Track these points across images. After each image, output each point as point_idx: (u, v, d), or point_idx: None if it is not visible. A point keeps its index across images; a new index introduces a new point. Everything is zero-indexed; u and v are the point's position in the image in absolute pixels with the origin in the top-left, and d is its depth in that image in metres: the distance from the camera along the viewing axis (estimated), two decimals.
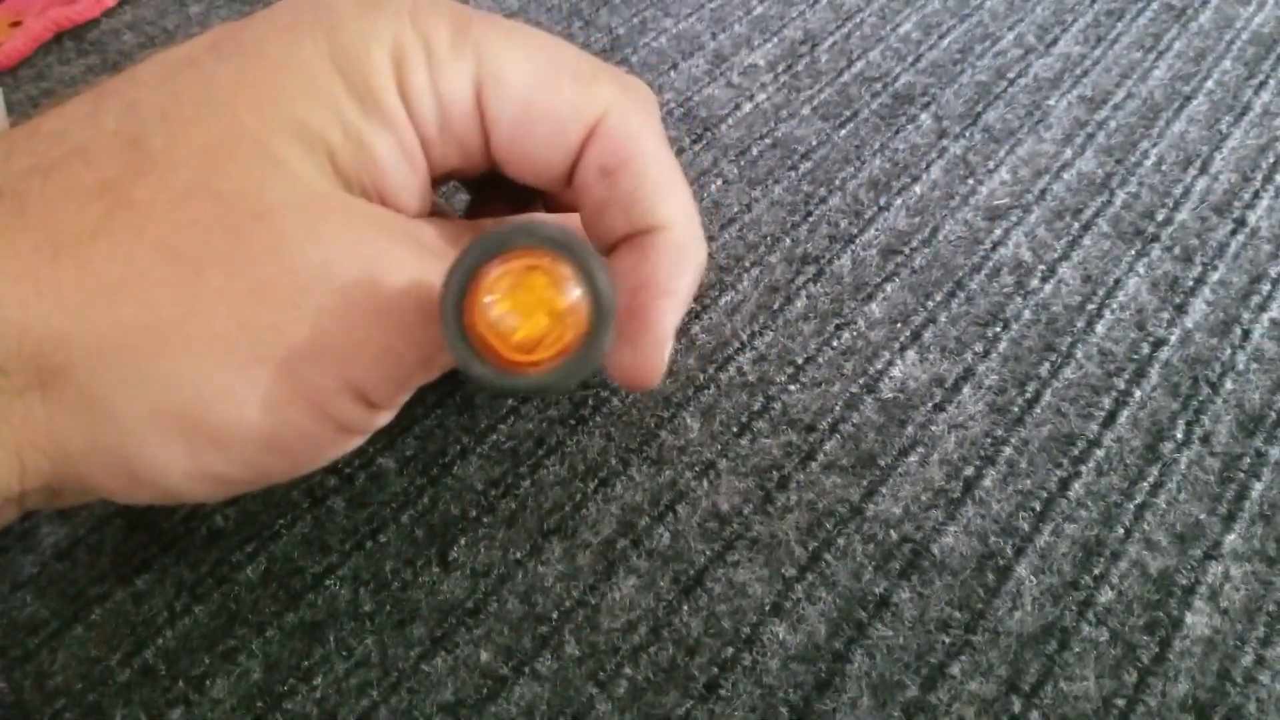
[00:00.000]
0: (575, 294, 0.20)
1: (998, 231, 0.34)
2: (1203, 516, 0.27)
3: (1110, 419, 0.29)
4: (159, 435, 0.19)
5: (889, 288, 0.33)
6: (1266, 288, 0.32)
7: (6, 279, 0.18)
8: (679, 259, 0.24)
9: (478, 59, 0.23)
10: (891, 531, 0.27)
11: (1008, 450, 0.29)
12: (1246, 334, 0.31)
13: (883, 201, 0.36)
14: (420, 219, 0.24)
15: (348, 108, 0.21)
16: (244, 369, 0.19)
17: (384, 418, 0.23)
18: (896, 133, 0.38)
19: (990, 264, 0.33)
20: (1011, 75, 0.41)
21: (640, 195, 0.24)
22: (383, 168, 0.22)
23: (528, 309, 0.20)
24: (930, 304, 0.32)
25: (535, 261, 0.20)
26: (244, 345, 0.19)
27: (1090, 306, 0.32)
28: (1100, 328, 0.31)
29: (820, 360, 0.31)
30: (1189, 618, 0.26)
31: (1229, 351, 0.31)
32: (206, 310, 0.19)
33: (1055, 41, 0.42)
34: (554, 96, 0.23)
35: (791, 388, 0.30)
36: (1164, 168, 0.37)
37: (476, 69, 0.23)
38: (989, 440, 0.29)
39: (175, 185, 0.20)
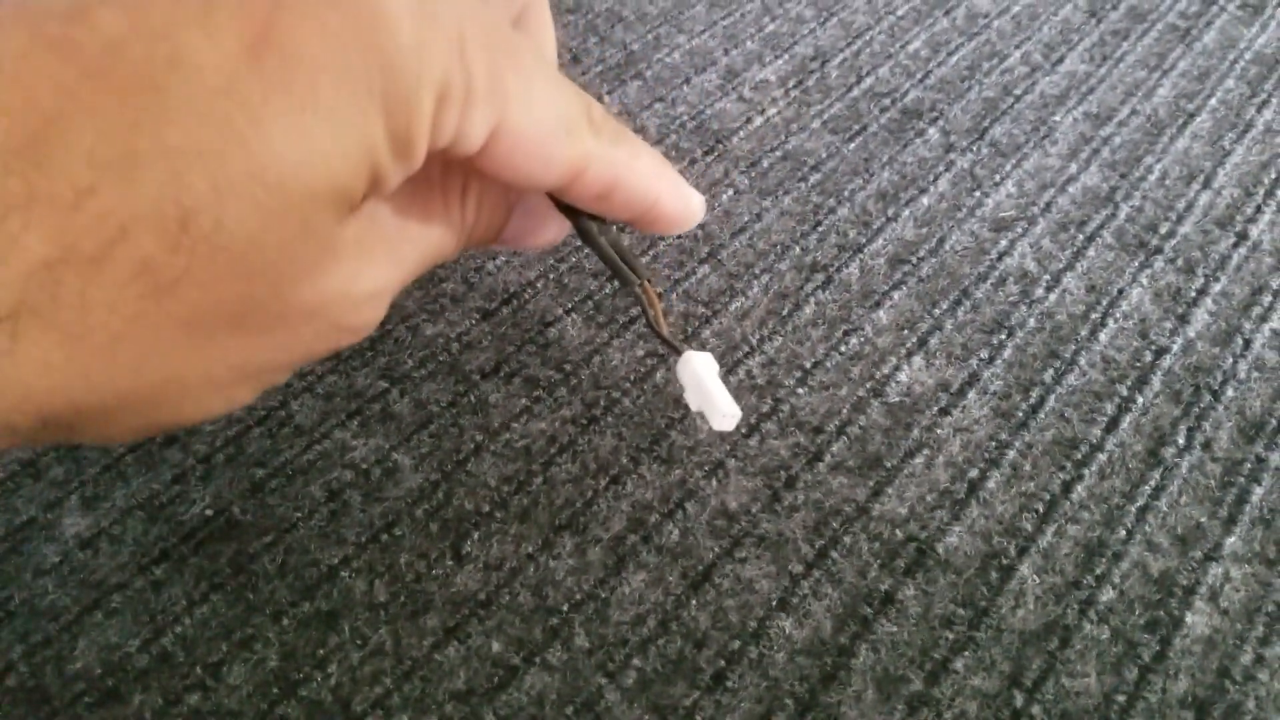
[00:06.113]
0: None
1: (1003, 242, 0.35)
2: (1204, 520, 0.28)
3: (1113, 424, 0.30)
4: None
5: (896, 295, 0.33)
6: (1268, 299, 0.33)
7: None
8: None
9: (503, 112, 0.22)
10: (897, 531, 0.28)
11: (1012, 453, 0.29)
12: (1248, 343, 0.32)
13: (890, 212, 0.36)
14: None
15: (383, 152, 0.20)
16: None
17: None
18: (904, 146, 0.39)
19: (996, 274, 0.34)
20: (1018, 92, 0.41)
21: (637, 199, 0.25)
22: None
23: None
24: (936, 312, 0.33)
25: None
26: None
27: (1094, 315, 0.33)
28: (1104, 336, 0.32)
29: (828, 365, 0.31)
30: (1189, 617, 0.26)
31: (1230, 360, 0.31)
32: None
33: (1061, 60, 0.43)
34: (550, 148, 0.23)
35: (800, 391, 0.31)
36: (1168, 182, 0.37)
37: (497, 122, 0.22)
38: (993, 443, 0.29)
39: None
